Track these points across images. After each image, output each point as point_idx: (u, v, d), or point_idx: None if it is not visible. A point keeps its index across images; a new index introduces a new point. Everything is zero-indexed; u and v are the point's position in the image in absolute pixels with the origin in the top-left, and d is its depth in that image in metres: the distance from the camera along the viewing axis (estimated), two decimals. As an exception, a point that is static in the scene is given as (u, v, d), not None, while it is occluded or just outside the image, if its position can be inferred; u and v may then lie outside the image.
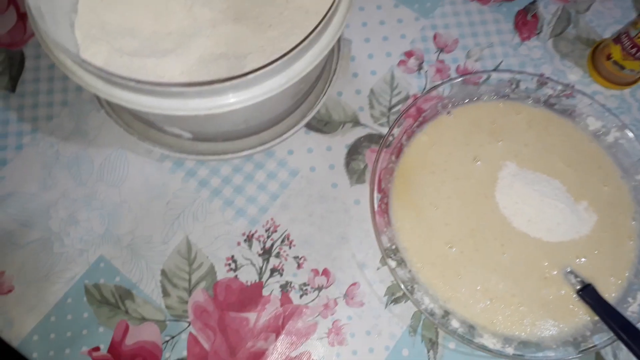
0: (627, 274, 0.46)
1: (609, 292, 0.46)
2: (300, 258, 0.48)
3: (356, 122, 0.54)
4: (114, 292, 0.47)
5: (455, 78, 0.52)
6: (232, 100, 0.37)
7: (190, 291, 0.47)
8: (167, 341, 0.45)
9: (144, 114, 0.42)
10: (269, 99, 0.38)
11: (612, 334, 0.43)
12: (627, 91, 0.56)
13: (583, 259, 0.47)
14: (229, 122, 0.43)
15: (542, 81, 0.53)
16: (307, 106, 0.51)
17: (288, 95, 0.44)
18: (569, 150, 0.50)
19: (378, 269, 0.48)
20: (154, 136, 0.49)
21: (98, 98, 0.48)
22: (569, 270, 0.46)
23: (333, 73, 0.51)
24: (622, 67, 0.53)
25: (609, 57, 0.53)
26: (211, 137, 0.47)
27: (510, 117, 0.51)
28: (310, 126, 0.53)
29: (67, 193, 0.50)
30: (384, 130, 0.53)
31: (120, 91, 0.36)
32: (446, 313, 0.44)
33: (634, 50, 0.50)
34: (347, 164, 0.52)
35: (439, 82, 0.53)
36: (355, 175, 0.52)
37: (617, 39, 0.52)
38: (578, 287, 0.45)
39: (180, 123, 0.43)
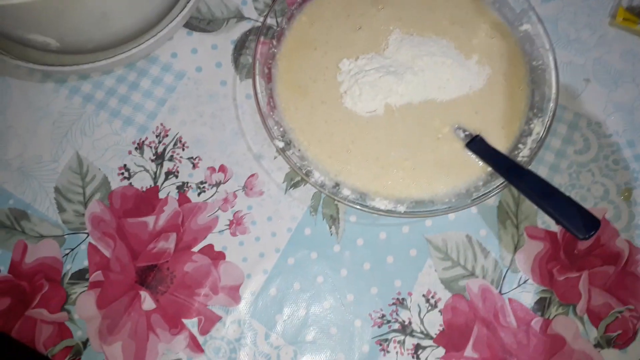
0: (518, 123, 0.48)
1: (502, 143, 0.47)
2: (195, 158, 0.49)
3: (240, 17, 0.54)
4: (9, 215, 0.48)
5: (332, -46, 0.52)
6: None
7: (85, 204, 0.48)
8: (67, 254, 0.46)
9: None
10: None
11: (503, 180, 0.44)
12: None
13: (476, 113, 0.48)
14: (85, 16, 0.43)
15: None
16: (182, 6, 0.51)
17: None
18: (452, 9, 0.51)
19: (275, 157, 0.49)
20: (28, 55, 0.49)
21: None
22: (457, 126, 0.47)
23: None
24: None
25: None
26: (79, 45, 0.47)
27: (390, -16, 0.51)
28: (192, 26, 0.53)
29: (-49, 128, 0.50)
30: (272, 22, 0.53)
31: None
32: (337, 184, 0.45)
33: None
34: (235, 60, 0.52)
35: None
36: (245, 69, 0.52)
37: None
38: (467, 140, 0.46)
39: (32, 24, 0.42)
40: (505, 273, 0.46)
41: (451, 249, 0.47)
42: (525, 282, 0.46)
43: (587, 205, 0.49)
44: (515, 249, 0.47)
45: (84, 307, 0.45)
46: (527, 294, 0.46)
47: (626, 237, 0.48)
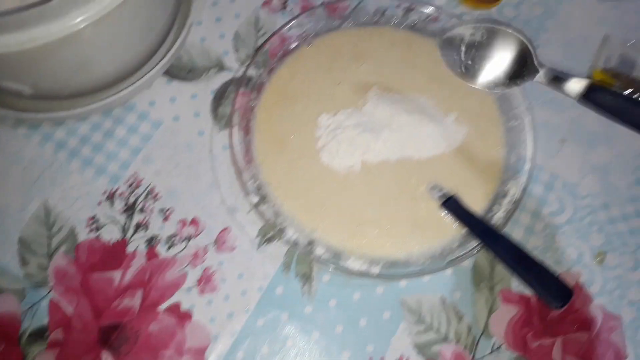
0: (494, 183, 0.48)
1: (477, 203, 0.47)
2: (167, 210, 0.48)
3: (221, 67, 0.53)
4: (-32, 267, 0.46)
5: (314, 7, 0.52)
6: (40, 31, 0.36)
7: (50, 256, 0.46)
8: (26, 310, 0.44)
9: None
10: (87, 32, 0.38)
11: (478, 243, 0.44)
12: (493, 10, 0.57)
13: (452, 173, 0.48)
14: (61, 66, 0.42)
15: (409, 7, 0.53)
16: (162, 54, 0.50)
17: (118, 35, 0.43)
18: (433, 66, 0.51)
19: (249, 211, 0.48)
20: (0, 100, 0.48)
21: None
22: (432, 185, 0.47)
23: (186, 17, 0.51)
24: (482, -16, 0.54)
25: (469, -24, 0.54)
26: (54, 92, 0.46)
27: (372, 40, 0.52)
28: (172, 75, 0.53)
29: None
30: (253, 73, 0.52)
31: None
32: (311, 242, 0.45)
33: (487, -37, 0.51)
34: (214, 110, 0.52)
35: (298, 14, 0.53)
36: (223, 120, 0.51)
37: (472, -45, 0.53)
38: (443, 200, 0.46)
39: (6, 72, 0.42)
40: (479, 338, 0.45)
41: (425, 311, 0.46)
42: (498, 347, 0.45)
43: (561, 268, 0.48)
44: (490, 312, 0.46)
45: (42, 368, 0.43)
46: (501, 361, 0.45)
47: (600, 302, 0.47)
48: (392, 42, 0.52)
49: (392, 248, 0.46)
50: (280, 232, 0.44)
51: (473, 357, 0.45)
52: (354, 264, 0.44)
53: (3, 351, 0.43)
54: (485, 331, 0.46)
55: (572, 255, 0.49)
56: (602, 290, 0.48)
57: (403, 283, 0.47)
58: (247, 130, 0.48)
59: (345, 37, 0.52)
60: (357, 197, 0.47)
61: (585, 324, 0.46)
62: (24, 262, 0.46)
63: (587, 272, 0.48)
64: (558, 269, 0.48)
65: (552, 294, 0.40)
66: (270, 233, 0.48)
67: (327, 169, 0.48)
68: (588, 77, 0.56)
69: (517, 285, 0.47)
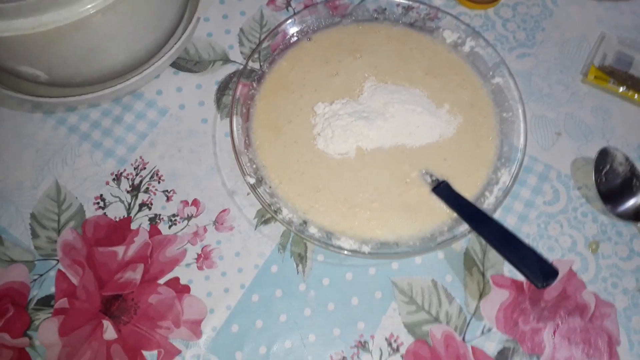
0: (486, 171, 0.50)
1: (469, 190, 0.49)
2: (170, 191, 0.51)
3: (226, 60, 0.57)
4: (-17, 239, 0.49)
5: (316, 4, 0.56)
6: (51, 16, 0.40)
7: (59, 231, 0.50)
8: (35, 280, 0.48)
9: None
10: (96, 19, 0.42)
11: (467, 226, 0.46)
12: (490, 10, 0.60)
13: (444, 160, 0.50)
14: (72, 51, 0.46)
15: (408, 6, 0.57)
16: (170, 47, 0.54)
17: (126, 25, 0.47)
18: (427, 60, 0.54)
19: (248, 194, 0.51)
20: (20, 86, 0.52)
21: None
22: (424, 171, 0.49)
23: (194, 13, 0.55)
24: (478, -17, 0.57)
25: (466, -24, 0.58)
26: (68, 79, 0.51)
27: (369, 35, 0.55)
28: (179, 66, 0.57)
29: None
30: (254, 65, 0.56)
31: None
32: (304, 222, 0.47)
33: (482, -37, 0.55)
34: (218, 99, 0.56)
35: (300, 10, 0.57)
36: (226, 109, 0.55)
37: (468, -44, 0.56)
38: (434, 186, 0.48)
39: (22, 56, 0.46)
40: (470, 320, 0.47)
41: (416, 293, 0.48)
42: (489, 330, 0.47)
43: (555, 256, 0.50)
44: (481, 296, 0.48)
45: (46, 333, 0.46)
46: (491, 343, 0.46)
47: (593, 289, 0.49)
48: (389, 37, 0.55)
49: (382, 231, 0.48)
50: (275, 212, 0.47)
51: (463, 338, 0.46)
52: (345, 243, 0.46)
53: (12, 316, 0.46)
54: (476, 314, 0.47)
55: (565, 243, 0.50)
56: (595, 277, 0.49)
57: (395, 265, 0.49)
58: (246, 118, 0.52)
59: (343, 32, 0.56)
60: (351, 181, 0.50)
61: (578, 310, 0.48)
62: (34, 235, 0.50)
63: (581, 259, 0.50)
64: (551, 256, 0.50)
65: (537, 274, 0.42)
66: (267, 215, 0.50)
67: (322, 155, 0.51)
68: (584, 74, 0.58)
69: (509, 271, 0.49)
